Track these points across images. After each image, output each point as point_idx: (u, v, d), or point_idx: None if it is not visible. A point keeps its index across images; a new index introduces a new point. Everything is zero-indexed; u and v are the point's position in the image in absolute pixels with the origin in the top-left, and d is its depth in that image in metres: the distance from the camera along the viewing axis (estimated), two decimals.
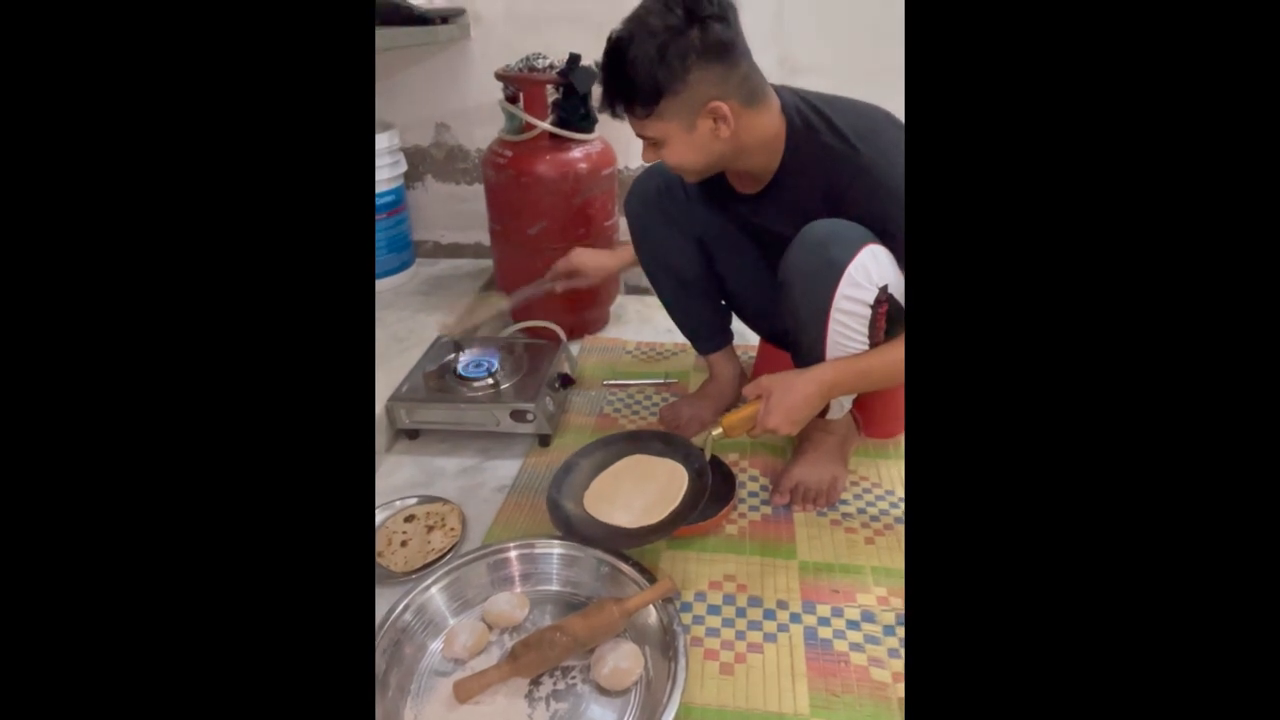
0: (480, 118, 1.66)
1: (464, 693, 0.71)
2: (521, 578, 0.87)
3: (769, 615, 0.84)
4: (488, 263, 1.71)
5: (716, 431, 0.90)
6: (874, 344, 0.87)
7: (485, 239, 1.63)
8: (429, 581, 0.83)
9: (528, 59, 1.40)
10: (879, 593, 0.86)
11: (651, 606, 0.78)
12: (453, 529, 0.96)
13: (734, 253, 1.08)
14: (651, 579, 0.81)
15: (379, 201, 1.55)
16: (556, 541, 0.88)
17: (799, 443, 1.08)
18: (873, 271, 0.83)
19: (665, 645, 0.75)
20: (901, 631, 0.81)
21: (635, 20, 0.81)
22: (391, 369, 1.22)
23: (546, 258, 1.45)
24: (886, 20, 1.45)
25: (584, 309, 1.51)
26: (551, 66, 1.38)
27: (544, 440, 1.15)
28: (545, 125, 1.37)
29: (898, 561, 0.91)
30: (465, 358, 1.21)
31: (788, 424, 0.86)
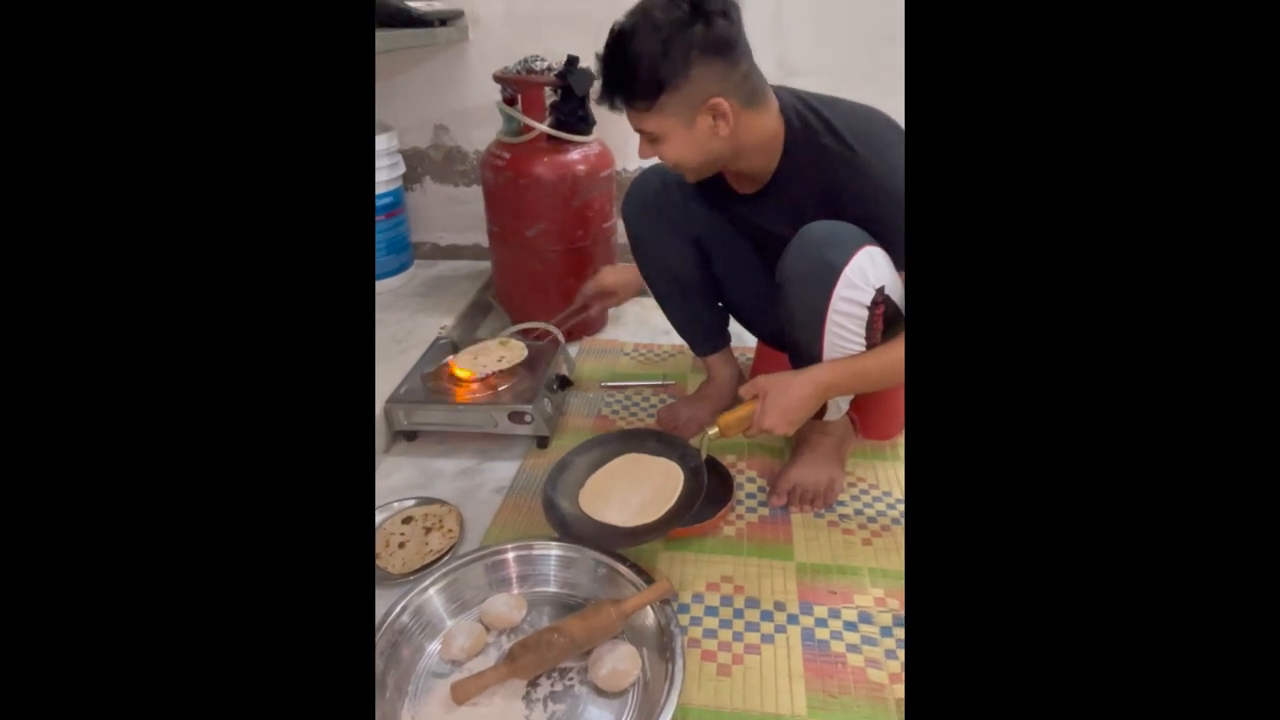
0: (478, 120, 1.66)
1: (461, 694, 0.71)
2: (519, 579, 0.87)
3: (766, 616, 0.84)
4: (486, 264, 1.71)
5: (713, 431, 0.90)
6: (871, 345, 0.87)
7: (483, 240, 1.63)
8: (427, 583, 0.83)
9: (526, 61, 1.40)
10: (876, 594, 0.87)
11: (649, 608, 0.78)
12: (450, 530, 0.96)
13: (731, 255, 1.08)
14: (649, 580, 0.81)
15: (377, 203, 1.55)
16: (554, 543, 0.88)
17: (796, 444, 1.08)
18: (869, 273, 0.83)
19: (663, 646, 0.75)
20: (898, 632, 0.81)
21: (639, 12, 0.81)
22: (390, 370, 1.22)
23: (545, 259, 1.46)
24: (884, 22, 1.45)
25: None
26: (550, 69, 1.39)
27: (542, 442, 1.16)
28: (543, 127, 1.37)
29: (895, 563, 0.91)
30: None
31: (784, 424, 0.86)
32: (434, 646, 0.79)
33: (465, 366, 1.16)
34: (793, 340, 0.92)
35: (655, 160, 1.08)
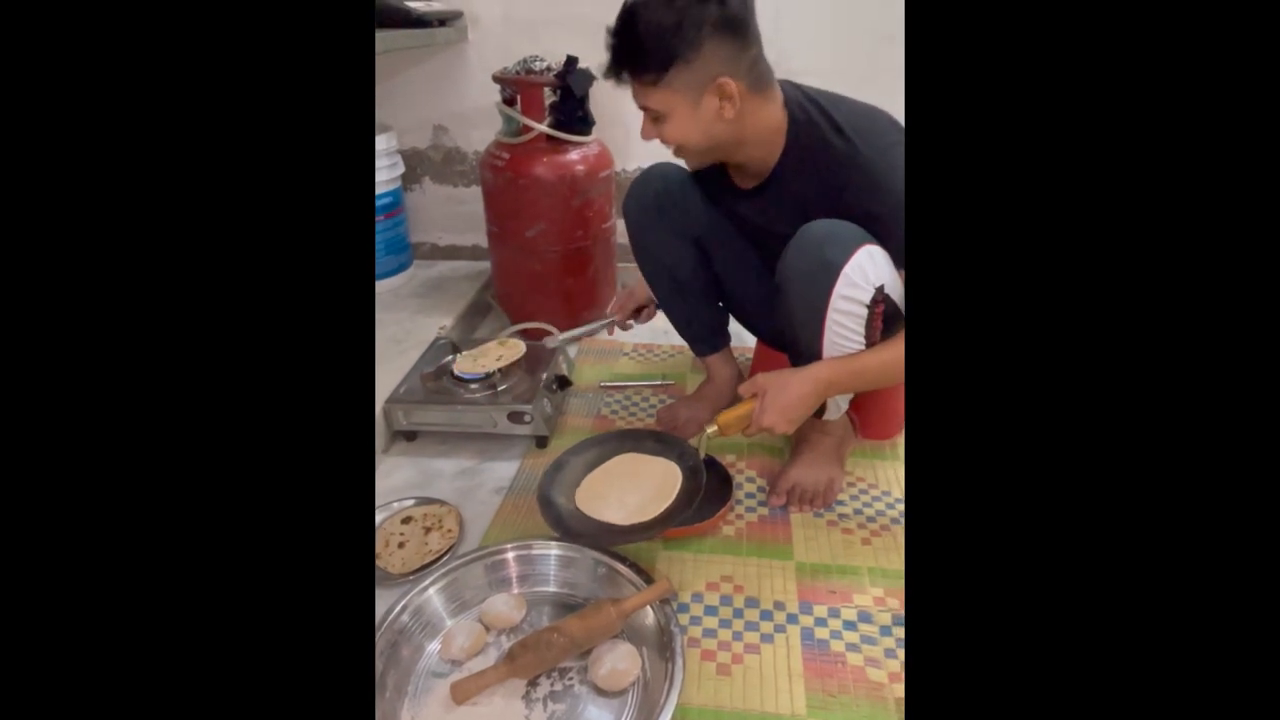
0: (478, 120, 1.66)
1: (461, 694, 0.71)
2: (519, 579, 0.87)
3: (766, 616, 0.84)
4: (485, 265, 1.71)
5: (711, 430, 0.90)
6: (870, 344, 0.87)
7: (483, 241, 1.63)
8: (426, 583, 0.83)
9: (525, 62, 1.41)
10: (875, 593, 0.87)
11: (649, 607, 0.78)
12: (450, 530, 0.96)
13: (732, 255, 1.08)
14: (648, 580, 0.82)
15: (377, 203, 1.55)
16: (554, 543, 0.88)
17: (796, 444, 1.08)
18: (869, 272, 0.83)
19: (662, 646, 0.75)
20: (898, 632, 0.81)
21: None
22: (389, 370, 1.22)
23: (544, 260, 1.46)
24: (883, 23, 1.46)
25: (581, 310, 1.51)
26: (549, 69, 1.39)
27: (541, 442, 1.16)
28: (543, 127, 1.37)
29: (894, 562, 0.92)
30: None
31: (783, 422, 0.86)
32: (434, 646, 0.79)
33: (467, 367, 1.16)
34: (793, 339, 0.92)
35: (653, 162, 1.09)
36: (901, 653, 0.79)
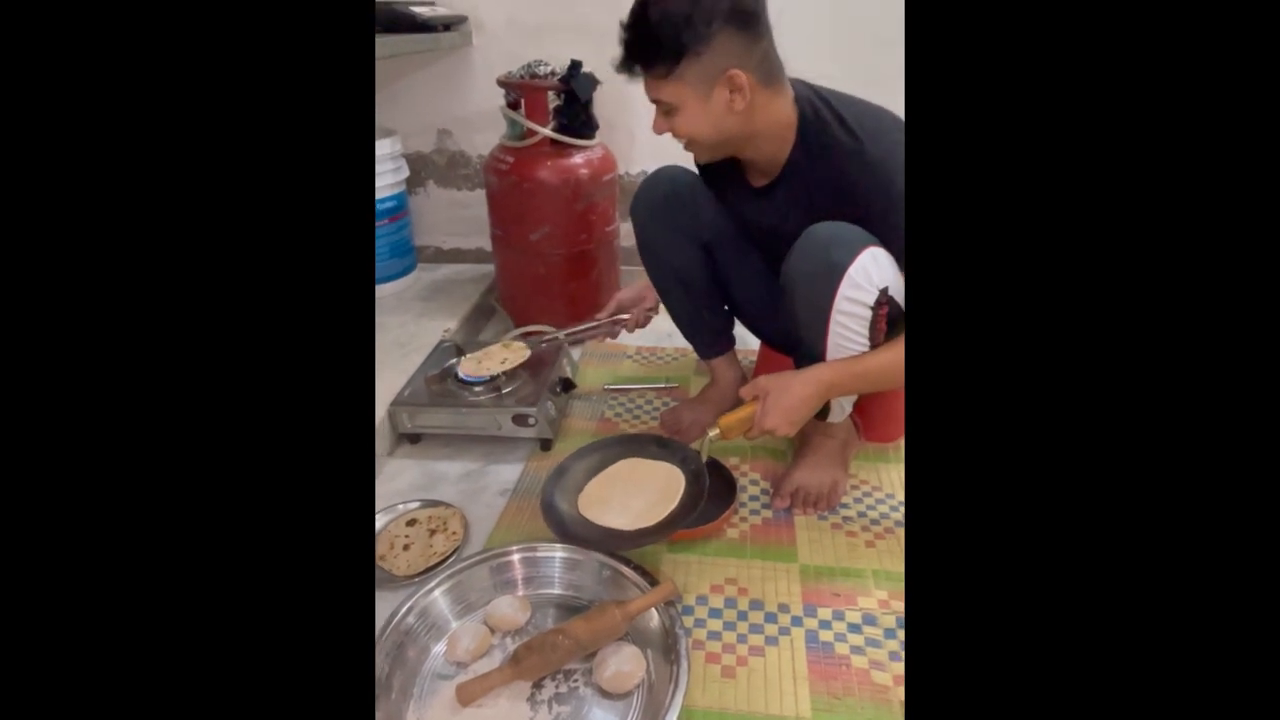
0: (482, 124, 1.67)
1: (466, 696, 0.72)
2: (524, 581, 0.88)
3: (770, 619, 0.84)
4: (489, 268, 1.72)
5: (714, 433, 0.90)
6: (874, 346, 0.88)
7: (486, 244, 1.64)
8: (432, 585, 0.83)
9: (529, 66, 1.41)
10: (880, 596, 0.87)
11: (653, 610, 0.79)
12: (455, 533, 0.96)
13: (738, 258, 1.09)
14: (653, 582, 0.82)
15: (381, 207, 1.55)
16: (559, 545, 0.88)
17: (799, 446, 1.08)
18: (873, 273, 0.83)
19: (667, 648, 0.75)
20: (903, 635, 0.81)
21: None
22: (394, 374, 1.22)
23: (548, 263, 1.46)
24: (884, 27, 1.46)
25: (585, 314, 1.51)
26: (553, 73, 1.39)
27: (545, 444, 1.16)
28: (547, 131, 1.38)
29: (898, 565, 0.92)
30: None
31: (786, 424, 0.86)
32: (439, 648, 0.79)
33: (470, 370, 1.17)
34: (796, 340, 0.93)
35: (659, 166, 1.09)
36: None
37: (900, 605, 0.85)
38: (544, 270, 1.47)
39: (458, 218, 1.80)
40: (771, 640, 0.81)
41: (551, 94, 1.38)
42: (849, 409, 1.04)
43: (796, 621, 0.83)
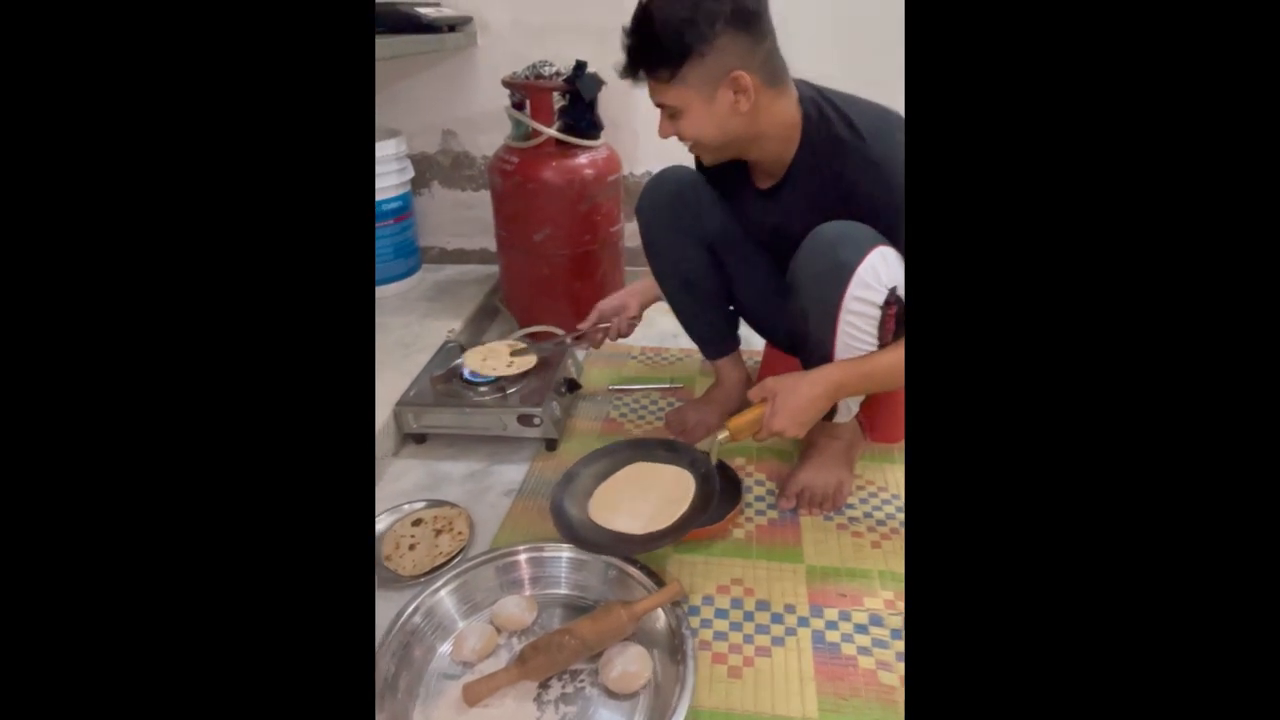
0: (486, 125, 1.67)
1: (473, 696, 0.72)
2: (530, 581, 0.88)
3: (777, 619, 0.84)
4: (493, 269, 1.72)
5: (722, 435, 0.90)
6: (882, 345, 0.87)
7: (491, 245, 1.64)
8: (438, 584, 0.83)
9: (534, 66, 1.41)
10: (886, 596, 0.87)
11: (660, 610, 0.79)
12: (460, 533, 0.97)
13: (745, 259, 1.09)
14: (659, 583, 0.82)
15: (386, 208, 1.56)
16: (565, 545, 0.88)
17: (805, 447, 1.08)
18: (882, 273, 0.83)
19: (673, 649, 0.75)
20: None
21: None
22: (398, 374, 1.22)
23: (552, 263, 1.46)
24: (889, 29, 1.46)
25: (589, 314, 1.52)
26: (558, 74, 1.40)
27: (551, 444, 1.16)
28: (551, 132, 1.38)
29: (904, 565, 0.91)
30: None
31: (794, 426, 0.86)
32: (445, 648, 0.79)
33: (475, 366, 1.16)
34: (804, 340, 0.92)
35: (664, 166, 1.09)
36: None
37: None
38: (548, 271, 1.47)
39: (462, 218, 1.81)
40: (778, 641, 0.81)
41: (556, 94, 1.38)
42: (855, 409, 1.04)
43: (803, 622, 0.83)
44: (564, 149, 1.40)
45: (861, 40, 1.51)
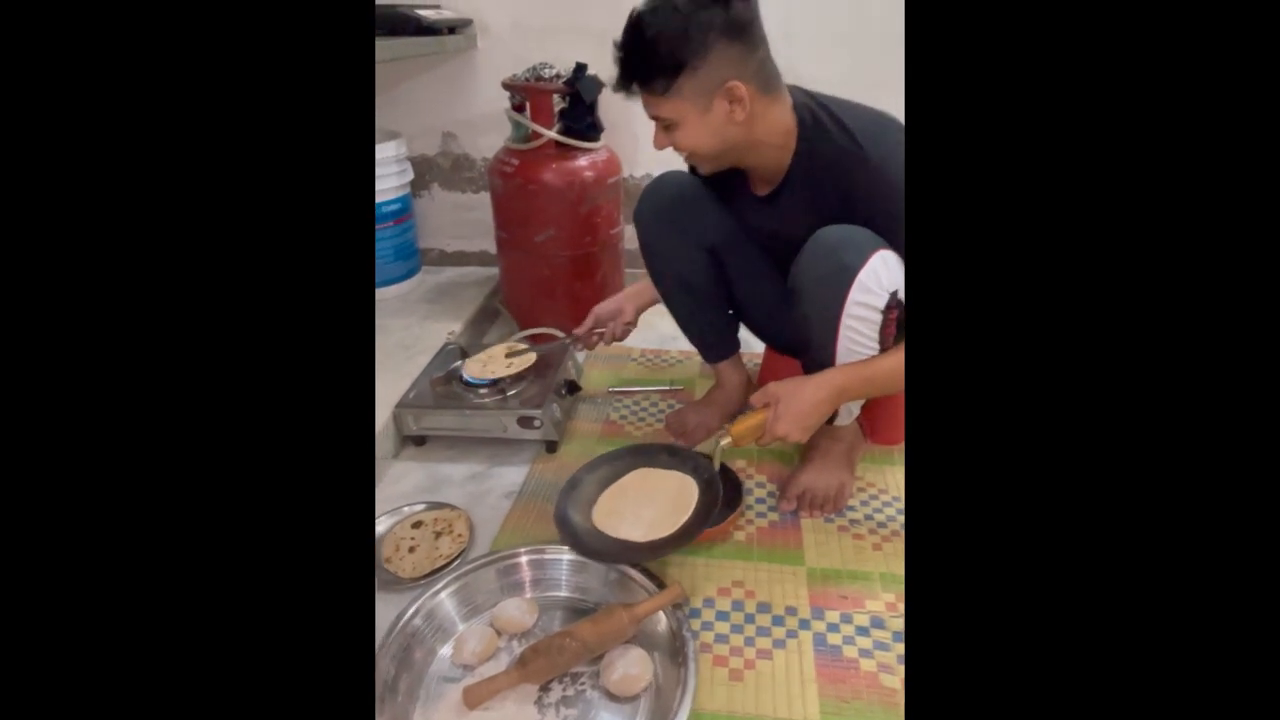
0: (486, 127, 1.67)
1: (473, 698, 0.71)
2: (531, 584, 0.87)
3: (778, 621, 0.83)
4: (493, 270, 1.72)
5: (725, 441, 0.89)
6: (883, 349, 0.87)
7: (491, 247, 1.64)
8: (439, 587, 0.83)
9: (534, 69, 1.42)
10: (887, 599, 0.86)
11: (661, 613, 0.78)
12: (460, 535, 0.96)
13: (744, 263, 1.08)
14: (660, 585, 0.81)
15: (385, 210, 1.56)
16: (566, 548, 0.88)
17: (806, 449, 1.08)
18: (884, 277, 0.83)
19: (674, 651, 0.75)
20: None
21: None
22: (398, 376, 1.22)
23: (552, 265, 1.46)
24: (891, 31, 1.46)
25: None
26: (558, 76, 1.40)
27: (551, 446, 1.16)
28: (552, 134, 1.38)
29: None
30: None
31: (797, 431, 0.86)
32: (446, 650, 0.79)
33: (475, 373, 1.16)
34: (806, 343, 0.92)
35: (666, 170, 1.09)
36: None
37: None
38: (548, 272, 1.47)
39: (462, 220, 1.81)
40: (779, 643, 0.81)
41: (556, 97, 1.38)
42: (856, 412, 1.04)
43: (804, 624, 0.83)
44: (564, 151, 1.40)
45: (868, 43, 1.51)
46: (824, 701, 0.74)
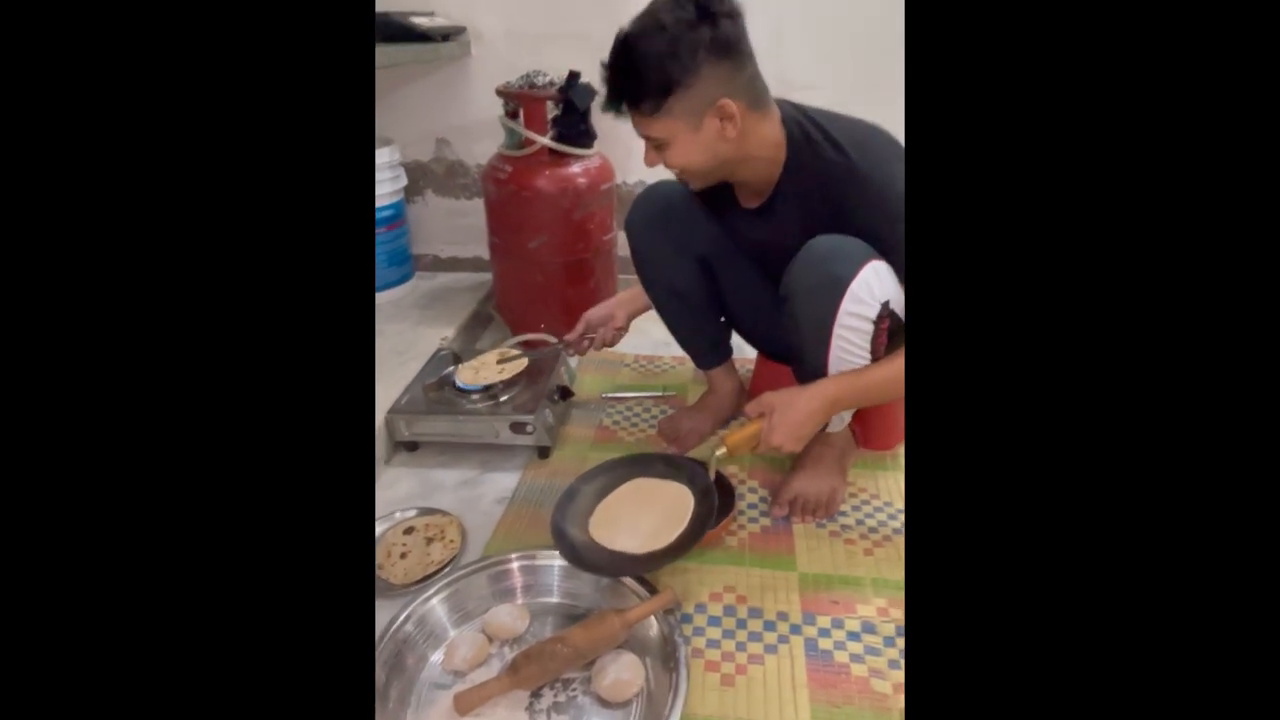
0: (480, 133, 1.68)
1: (464, 705, 0.71)
2: (522, 589, 0.87)
3: (769, 627, 0.84)
4: (486, 276, 1.72)
5: (721, 451, 0.89)
6: (875, 358, 0.88)
7: (484, 253, 1.64)
8: (430, 593, 0.83)
9: (528, 76, 1.42)
10: (879, 604, 0.87)
11: (652, 618, 0.78)
12: (452, 541, 0.96)
13: (736, 272, 1.09)
14: (652, 590, 0.82)
15: (379, 215, 1.56)
16: (558, 553, 0.88)
17: (798, 455, 1.08)
18: (875, 288, 0.84)
19: (666, 656, 0.75)
20: (902, 643, 0.81)
21: (646, 16, 0.82)
22: (391, 381, 1.22)
23: (545, 271, 1.47)
24: (882, 38, 1.48)
25: None
26: (551, 83, 1.40)
27: (543, 452, 1.16)
28: (545, 141, 1.38)
29: (897, 573, 0.92)
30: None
31: (792, 441, 0.86)
32: (437, 657, 0.79)
33: (467, 380, 1.16)
34: (797, 352, 0.93)
35: (660, 178, 1.09)
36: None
37: (899, 613, 0.85)
38: (542, 278, 1.48)
39: (456, 226, 1.81)
40: (771, 648, 0.81)
41: (550, 104, 1.39)
42: (848, 419, 1.05)
43: (795, 629, 0.83)
44: (557, 158, 1.41)
45: (859, 50, 1.52)
46: (815, 707, 0.74)
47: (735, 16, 0.81)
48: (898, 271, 0.86)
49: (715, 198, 1.02)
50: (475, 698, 0.71)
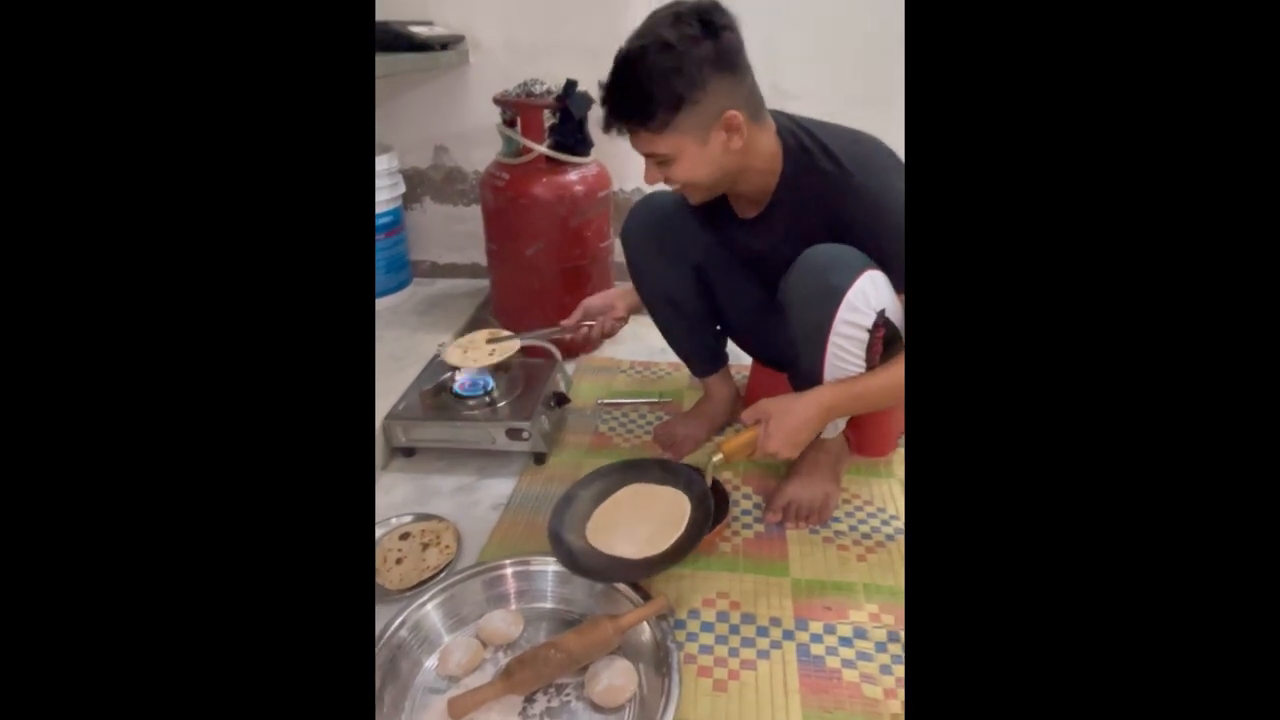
0: (478, 141, 1.69)
1: (458, 710, 0.71)
2: (517, 595, 0.88)
3: (762, 632, 0.84)
4: (484, 283, 1.73)
5: (717, 458, 0.90)
6: (870, 367, 0.89)
7: (482, 259, 1.65)
8: (425, 598, 0.83)
9: (525, 84, 1.43)
10: (871, 609, 0.87)
11: (646, 623, 0.79)
12: (448, 547, 0.97)
13: (731, 281, 1.10)
14: (645, 596, 0.82)
15: (377, 222, 1.57)
16: (552, 559, 0.88)
17: (792, 462, 1.09)
18: (871, 297, 0.85)
19: (659, 662, 0.75)
20: (894, 648, 0.82)
21: (646, 33, 0.81)
22: (388, 387, 1.23)
23: (543, 278, 1.47)
24: (875, 47, 1.49)
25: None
26: (549, 92, 1.41)
27: (539, 458, 1.16)
28: (542, 149, 1.39)
29: (889, 579, 0.92)
30: (461, 376, 1.22)
31: (788, 448, 0.87)
32: (431, 662, 0.79)
33: (456, 360, 1.16)
34: (793, 360, 0.93)
35: (658, 187, 1.10)
36: (897, 669, 0.79)
37: (891, 619, 0.86)
38: (539, 285, 1.48)
39: (453, 233, 1.82)
40: (763, 654, 0.81)
41: (547, 112, 1.40)
42: (842, 425, 1.05)
43: (788, 635, 0.84)
44: (554, 165, 1.42)
45: (853, 57, 1.53)
46: (807, 712, 0.74)
47: (734, 29, 0.82)
48: (893, 280, 0.86)
49: (711, 208, 1.02)
50: (469, 703, 0.72)
